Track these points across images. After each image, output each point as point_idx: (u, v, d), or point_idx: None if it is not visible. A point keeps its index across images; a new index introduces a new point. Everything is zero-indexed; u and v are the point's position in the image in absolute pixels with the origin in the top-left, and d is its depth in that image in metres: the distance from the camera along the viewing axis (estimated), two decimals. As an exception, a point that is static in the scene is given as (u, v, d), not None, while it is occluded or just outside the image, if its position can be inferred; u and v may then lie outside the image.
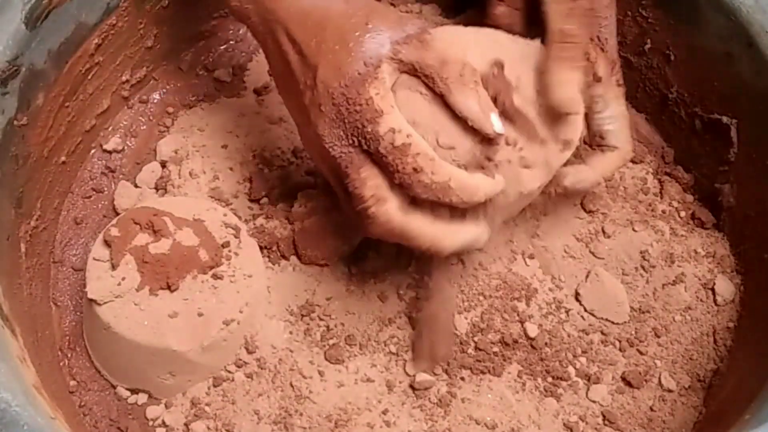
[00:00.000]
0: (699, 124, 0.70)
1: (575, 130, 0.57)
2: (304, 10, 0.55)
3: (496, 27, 0.61)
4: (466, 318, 0.64)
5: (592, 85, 0.59)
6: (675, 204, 0.71)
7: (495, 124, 0.53)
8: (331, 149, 0.53)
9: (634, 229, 0.69)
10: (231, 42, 0.79)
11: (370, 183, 0.53)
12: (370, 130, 0.52)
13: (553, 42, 0.56)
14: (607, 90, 0.60)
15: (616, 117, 0.61)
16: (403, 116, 0.53)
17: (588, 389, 0.63)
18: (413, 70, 0.54)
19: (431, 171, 0.52)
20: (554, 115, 0.55)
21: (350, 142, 0.53)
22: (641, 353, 0.64)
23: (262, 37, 0.59)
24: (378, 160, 0.53)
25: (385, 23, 0.53)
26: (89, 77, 0.67)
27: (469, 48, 0.55)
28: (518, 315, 0.65)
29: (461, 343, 0.63)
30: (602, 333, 0.65)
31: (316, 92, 0.53)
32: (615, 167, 0.64)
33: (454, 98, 0.53)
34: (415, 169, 0.52)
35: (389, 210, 0.53)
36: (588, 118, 0.61)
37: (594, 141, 0.62)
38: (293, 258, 0.66)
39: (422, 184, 0.52)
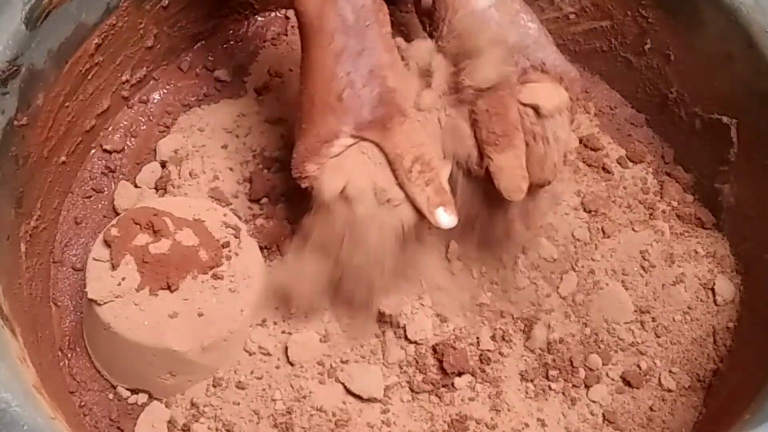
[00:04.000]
0: (699, 124, 0.70)
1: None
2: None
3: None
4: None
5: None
6: (675, 204, 0.71)
7: (440, 218, 0.55)
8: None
9: (634, 229, 0.69)
10: (231, 42, 0.79)
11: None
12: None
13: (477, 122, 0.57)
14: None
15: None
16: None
17: (588, 389, 0.63)
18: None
19: None
20: None
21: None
22: (641, 353, 0.64)
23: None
24: None
25: (355, 102, 0.55)
26: (89, 77, 0.67)
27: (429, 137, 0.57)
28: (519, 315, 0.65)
29: (465, 344, 0.63)
30: (603, 333, 0.65)
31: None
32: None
33: (406, 190, 0.56)
34: None
35: None
36: None
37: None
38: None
39: None
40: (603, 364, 0.64)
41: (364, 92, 0.55)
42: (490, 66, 0.56)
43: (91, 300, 0.59)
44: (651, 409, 0.63)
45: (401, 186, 0.56)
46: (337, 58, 0.55)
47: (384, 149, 0.55)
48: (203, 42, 0.79)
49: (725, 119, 0.67)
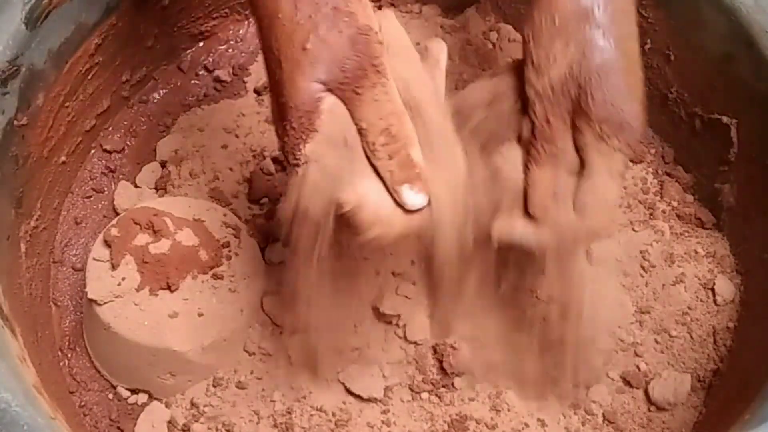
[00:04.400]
0: (699, 124, 0.70)
1: None
2: None
3: None
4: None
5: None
6: (675, 204, 0.71)
7: (406, 198, 0.48)
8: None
9: (634, 229, 0.69)
10: (231, 42, 0.79)
11: None
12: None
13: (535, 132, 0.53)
14: (589, 155, 0.53)
15: (593, 189, 0.52)
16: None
17: (588, 389, 0.63)
18: None
19: None
20: None
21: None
22: (641, 353, 0.64)
23: None
24: None
25: (323, 51, 0.47)
26: (89, 77, 0.67)
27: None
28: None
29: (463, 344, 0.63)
30: (603, 333, 0.65)
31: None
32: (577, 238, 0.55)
33: (373, 164, 0.49)
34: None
35: None
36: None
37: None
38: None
39: None
40: (603, 365, 0.63)
41: (331, 36, 0.46)
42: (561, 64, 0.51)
43: (91, 300, 0.60)
44: (651, 409, 0.63)
45: (369, 159, 0.49)
46: (294, 2, 0.46)
47: (353, 117, 0.48)
48: (203, 42, 0.79)
49: (725, 119, 0.67)
